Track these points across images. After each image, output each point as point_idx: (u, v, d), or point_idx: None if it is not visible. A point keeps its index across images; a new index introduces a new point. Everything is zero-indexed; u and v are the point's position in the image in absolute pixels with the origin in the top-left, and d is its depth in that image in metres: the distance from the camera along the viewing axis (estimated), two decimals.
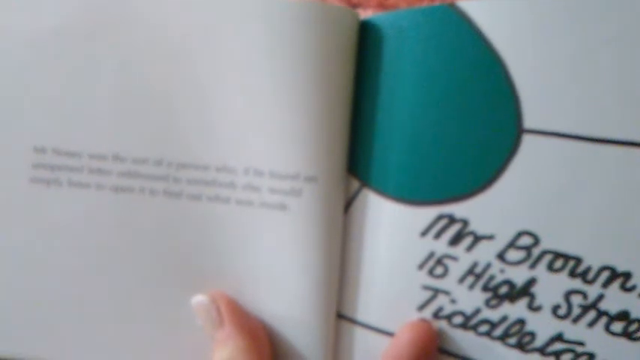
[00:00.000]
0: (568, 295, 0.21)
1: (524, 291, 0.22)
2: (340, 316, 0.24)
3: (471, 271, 0.22)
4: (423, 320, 0.23)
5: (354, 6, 0.30)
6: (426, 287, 0.23)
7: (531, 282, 0.22)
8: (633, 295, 0.20)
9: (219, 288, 0.24)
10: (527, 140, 0.22)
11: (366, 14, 0.28)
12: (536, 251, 0.21)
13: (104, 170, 0.25)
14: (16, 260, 0.25)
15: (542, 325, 0.21)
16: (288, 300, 0.24)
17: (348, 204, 0.24)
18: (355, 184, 0.24)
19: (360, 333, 0.24)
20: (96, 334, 0.25)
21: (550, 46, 0.21)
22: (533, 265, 0.21)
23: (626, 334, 0.21)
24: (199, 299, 0.24)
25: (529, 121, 0.22)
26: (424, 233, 0.23)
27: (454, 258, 0.22)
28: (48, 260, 0.25)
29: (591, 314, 0.21)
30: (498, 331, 0.22)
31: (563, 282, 0.21)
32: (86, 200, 0.25)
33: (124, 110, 0.25)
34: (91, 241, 0.25)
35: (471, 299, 0.22)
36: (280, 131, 0.23)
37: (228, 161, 0.24)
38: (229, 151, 0.24)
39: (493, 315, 0.22)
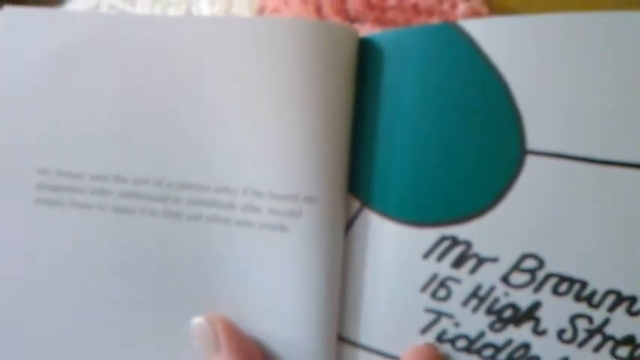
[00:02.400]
0: (573, 319, 0.21)
1: (528, 315, 0.21)
2: (342, 339, 0.24)
3: (474, 294, 0.22)
4: (429, 345, 0.22)
5: (352, 21, 0.30)
6: (429, 310, 0.22)
7: (536, 305, 0.21)
8: (639, 319, 0.20)
9: (218, 309, 0.24)
10: (530, 161, 0.21)
11: (364, 29, 0.28)
12: (540, 274, 0.21)
13: (105, 191, 0.24)
14: (18, 280, 0.25)
15: (548, 350, 0.21)
16: (287, 322, 0.23)
17: (349, 224, 0.24)
18: (356, 204, 0.24)
19: (362, 356, 0.23)
20: (95, 354, 0.25)
21: (553, 66, 0.21)
22: (537, 289, 0.21)
23: (632, 359, 0.20)
24: (197, 322, 0.23)
25: (532, 142, 0.21)
26: (427, 255, 0.22)
27: (457, 280, 0.22)
28: (49, 279, 0.25)
29: (597, 339, 0.21)
30: (503, 355, 0.22)
31: (568, 306, 0.21)
32: (88, 221, 0.25)
33: (124, 131, 0.25)
34: (92, 260, 0.25)
35: (474, 322, 0.22)
36: (279, 151, 0.23)
37: (228, 182, 0.24)
38: (229, 171, 0.24)
39: (497, 339, 0.22)
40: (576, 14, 0.21)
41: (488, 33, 0.22)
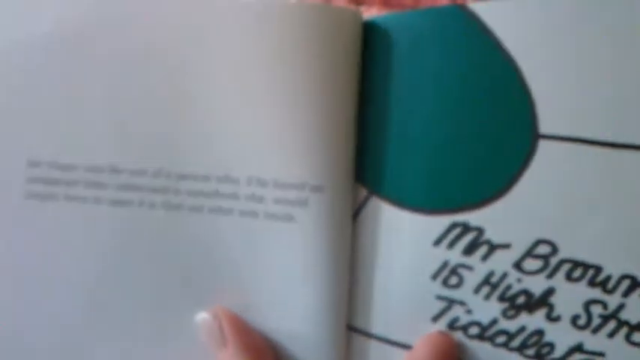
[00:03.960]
0: (588, 304, 0.21)
1: (542, 301, 0.21)
2: (353, 329, 0.23)
3: (486, 281, 0.22)
4: (442, 332, 0.22)
5: (359, 3, 0.29)
6: (441, 297, 0.22)
7: (550, 292, 0.21)
8: None
9: (223, 303, 0.23)
10: (543, 146, 0.21)
11: (370, 12, 0.27)
12: (554, 260, 0.21)
13: (101, 183, 0.24)
14: (12, 278, 0.24)
15: (562, 336, 0.21)
16: (295, 314, 0.23)
17: (356, 213, 0.23)
18: (363, 192, 0.23)
19: (373, 346, 0.23)
20: (95, 352, 0.24)
21: (565, 48, 0.21)
22: (551, 275, 0.21)
23: None
24: (202, 317, 0.23)
25: (545, 126, 0.21)
26: (437, 242, 0.22)
27: (469, 267, 0.22)
28: (45, 277, 0.24)
29: (611, 324, 0.20)
30: (516, 342, 0.21)
31: (582, 291, 0.21)
32: (83, 215, 0.24)
33: (120, 120, 0.23)
34: (89, 257, 0.24)
35: (487, 310, 0.22)
36: (283, 139, 0.22)
37: (230, 171, 0.23)
38: (231, 160, 0.23)
39: (510, 326, 0.21)
40: None
41: (498, 15, 0.21)
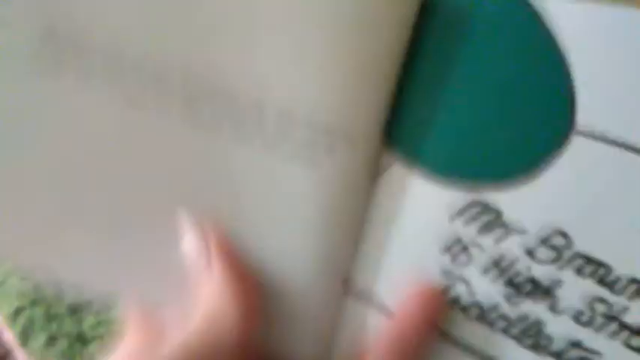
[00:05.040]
0: (592, 302, 0.21)
1: (548, 292, 0.21)
2: (350, 286, 0.23)
3: (496, 264, 0.21)
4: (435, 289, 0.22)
5: None
6: (447, 272, 0.22)
7: (557, 283, 0.21)
8: None
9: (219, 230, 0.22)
10: (576, 141, 0.21)
11: None
12: (567, 253, 0.21)
13: (120, 71, 0.22)
14: (14, 155, 0.22)
15: (562, 330, 0.21)
16: (293, 259, 0.22)
17: (379, 174, 0.23)
18: (389, 154, 0.23)
19: (372, 312, 0.22)
20: (87, 243, 0.23)
21: (617, 50, 0.21)
22: (561, 267, 0.21)
23: None
24: (189, 236, 0.22)
25: (582, 122, 0.21)
26: (454, 217, 0.22)
27: (481, 247, 0.22)
28: (47, 156, 0.23)
29: (613, 325, 0.20)
30: (515, 330, 0.21)
31: (589, 288, 0.21)
32: (96, 105, 0.22)
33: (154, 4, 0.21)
34: (95, 147, 0.22)
35: (491, 292, 0.21)
36: (323, 80, 0.21)
37: (263, 96, 0.22)
38: (266, 84, 0.22)
39: (512, 312, 0.21)
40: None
41: (555, 5, 0.22)
